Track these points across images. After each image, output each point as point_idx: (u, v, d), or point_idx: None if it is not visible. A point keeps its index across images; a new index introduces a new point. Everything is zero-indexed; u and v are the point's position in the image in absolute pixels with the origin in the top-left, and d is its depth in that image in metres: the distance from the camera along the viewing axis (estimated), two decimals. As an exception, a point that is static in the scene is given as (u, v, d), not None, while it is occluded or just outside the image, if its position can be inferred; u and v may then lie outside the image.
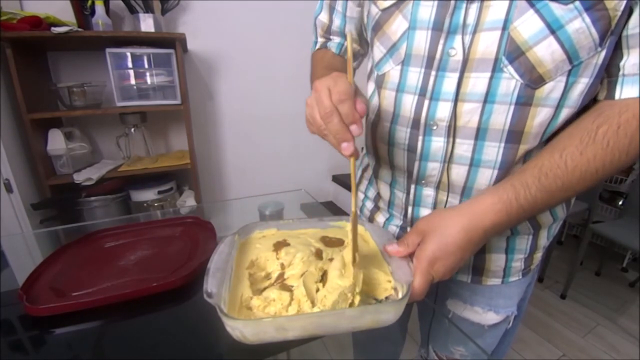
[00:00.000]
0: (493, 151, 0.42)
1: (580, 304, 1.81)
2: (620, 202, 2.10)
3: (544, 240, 0.52)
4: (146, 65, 1.44)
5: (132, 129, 1.53)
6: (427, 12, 0.41)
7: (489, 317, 0.54)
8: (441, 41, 0.41)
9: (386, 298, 0.40)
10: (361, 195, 0.65)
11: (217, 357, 0.42)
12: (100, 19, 1.33)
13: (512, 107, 0.40)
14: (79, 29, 1.27)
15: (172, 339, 0.43)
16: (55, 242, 0.83)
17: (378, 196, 0.59)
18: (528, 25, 0.36)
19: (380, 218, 0.59)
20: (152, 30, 1.41)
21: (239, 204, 1.22)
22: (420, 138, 0.45)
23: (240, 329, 0.35)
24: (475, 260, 0.52)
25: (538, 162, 0.38)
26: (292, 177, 2.16)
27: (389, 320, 0.36)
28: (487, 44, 0.39)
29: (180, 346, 0.41)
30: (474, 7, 0.38)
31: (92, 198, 1.43)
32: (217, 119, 1.89)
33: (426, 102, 0.43)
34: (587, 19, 0.35)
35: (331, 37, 0.62)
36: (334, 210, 2.21)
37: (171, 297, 0.48)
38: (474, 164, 0.44)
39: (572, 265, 1.83)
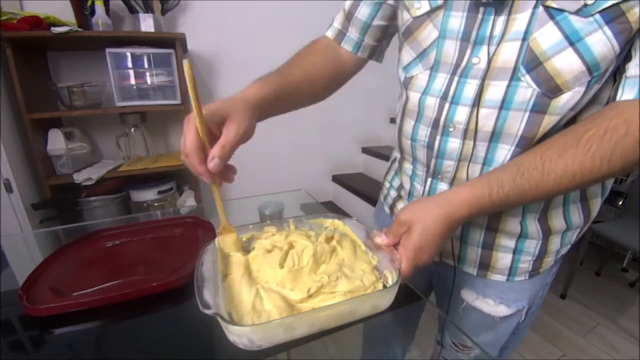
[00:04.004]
0: (504, 153, 0.45)
1: (580, 304, 1.81)
2: (620, 202, 2.10)
3: (555, 246, 0.53)
4: (146, 65, 1.44)
5: (132, 129, 1.53)
6: (456, 22, 0.43)
7: (500, 310, 0.56)
8: (468, 51, 0.43)
9: (384, 286, 0.44)
10: (387, 185, 0.69)
11: (217, 356, 0.42)
12: (100, 19, 1.33)
13: (527, 114, 0.41)
14: (79, 29, 1.27)
15: (172, 339, 0.43)
16: (55, 242, 0.83)
17: (401, 186, 0.63)
18: (547, 37, 0.37)
19: (401, 205, 0.64)
20: (152, 30, 1.41)
21: (239, 204, 1.22)
22: (439, 138, 0.48)
23: (247, 336, 0.35)
24: (481, 257, 0.54)
25: (519, 160, 0.40)
26: (292, 177, 2.16)
27: (385, 304, 0.41)
28: (508, 53, 0.40)
29: (180, 346, 0.41)
30: (500, 20, 0.40)
31: (92, 198, 1.43)
32: (217, 119, 1.89)
33: (446, 105, 0.46)
34: (609, 32, 0.35)
35: (350, 28, 0.58)
36: (334, 210, 2.21)
37: (171, 297, 0.48)
38: (486, 163, 0.46)
39: (572, 265, 1.83)
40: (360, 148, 2.33)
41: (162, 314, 0.48)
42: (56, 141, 1.37)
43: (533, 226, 0.50)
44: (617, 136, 0.35)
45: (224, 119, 0.40)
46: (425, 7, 0.45)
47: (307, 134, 2.13)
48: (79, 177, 1.37)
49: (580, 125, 0.38)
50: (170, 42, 1.41)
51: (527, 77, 0.40)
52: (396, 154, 0.65)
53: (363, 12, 0.56)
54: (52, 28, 1.20)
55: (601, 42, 0.35)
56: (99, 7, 1.33)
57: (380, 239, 0.45)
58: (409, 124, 0.53)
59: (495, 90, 0.42)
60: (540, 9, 0.37)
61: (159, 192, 1.54)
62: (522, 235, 0.51)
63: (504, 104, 0.42)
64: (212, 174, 0.40)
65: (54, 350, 0.41)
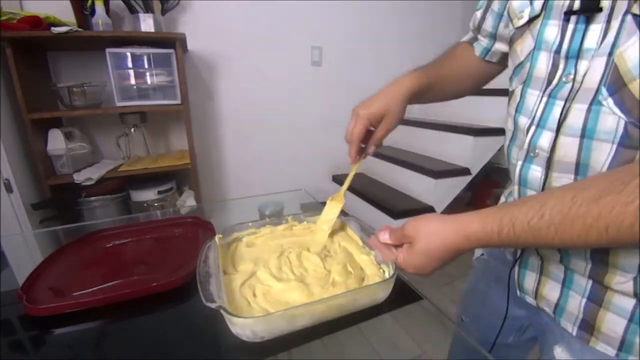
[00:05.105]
0: None
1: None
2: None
3: None
4: (146, 65, 1.44)
5: (132, 129, 1.53)
6: (553, 32, 0.39)
7: None
8: (561, 65, 0.38)
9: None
10: (502, 199, 0.60)
11: (217, 356, 0.42)
12: (100, 19, 1.33)
13: (614, 146, 0.34)
14: (79, 29, 1.27)
15: (172, 338, 0.43)
16: (55, 242, 0.83)
17: None
18: (633, 51, 0.31)
19: None
20: (152, 30, 1.41)
21: (239, 204, 1.22)
22: (520, 163, 0.44)
23: (251, 327, 0.35)
24: (585, 312, 0.43)
25: (545, 197, 0.34)
26: (292, 177, 2.16)
27: (383, 297, 0.45)
28: (594, 71, 0.35)
29: (180, 346, 0.41)
30: (595, 30, 0.34)
31: (92, 198, 1.43)
32: (217, 119, 1.89)
33: (532, 128, 0.42)
34: None
35: (479, 36, 0.59)
36: (334, 210, 2.20)
37: (171, 297, 0.48)
38: None
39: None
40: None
41: (162, 314, 0.48)
42: (56, 141, 1.37)
43: None
44: None
45: (382, 117, 0.51)
46: (526, 17, 0.43)
47: (307, 134, 2.13)
48: (79, 177, 1.37)
49: (634, 165, 0.30)
50: (170, 42, 1.41)
51: (609, 100, 0.33)
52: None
53: (488, 23, 0.56)
54: (52, 28, 1.21)
55: None
56: (99, 7, 1.33)
57: (384, 237, 0.46)
58: (507, 144, 0.50)
59: (576, 115, 0.36)
60: (629, 16, 0.31)
61: (159, 192, 1.54)
62: None
63: (586, 132, 0.36)
64: (358, 157, 0.54)
65: (54, 350, 0.41)
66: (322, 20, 1.97)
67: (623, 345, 0.40)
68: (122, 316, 0.46)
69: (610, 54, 0.33)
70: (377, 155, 2.18)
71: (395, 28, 2.21)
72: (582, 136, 0.36)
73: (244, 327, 0.36)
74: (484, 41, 0.58)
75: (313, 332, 0.40)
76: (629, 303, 0.39)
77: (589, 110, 0.35)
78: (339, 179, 2.24)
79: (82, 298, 0.46)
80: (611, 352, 0.41)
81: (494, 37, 0.56)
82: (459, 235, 0.38)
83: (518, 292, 0.52)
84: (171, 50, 1.41)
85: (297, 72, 2.00)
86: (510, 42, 0.48)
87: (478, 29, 0.59)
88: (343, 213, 0.62)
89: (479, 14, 0.58)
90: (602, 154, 0.35)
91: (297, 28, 1.93)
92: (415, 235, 0.41)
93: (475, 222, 0.37)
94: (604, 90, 0.34)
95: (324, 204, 0.60)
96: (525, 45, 0.44)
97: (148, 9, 1.42)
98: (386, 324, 0.49)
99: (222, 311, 0.35)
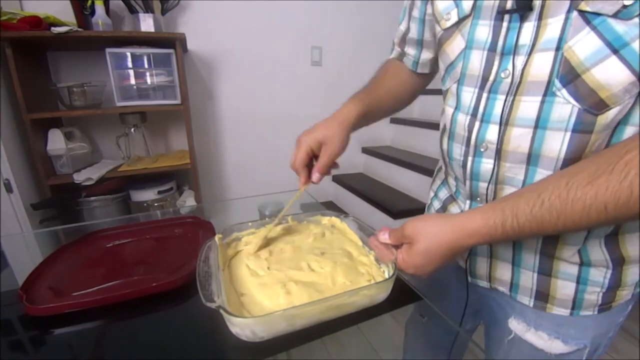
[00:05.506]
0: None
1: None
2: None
3: (634, 277, 0.45)
4: (146, 65, 1.44)
5: (132, 129, 1.53)
6: (484, 32, 0.41)
7: (555, 346, 0.48)
8: (496, 62, 0.40)
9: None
10: (432, 193, 0.65)
11: (217, 356, 0.42)
12: (100, 19, 1.33)
13: (569, 134, 0.36)
14: (79, 29, 1.27)
15: (171, 339, 0.43)
16: (55, 242, 0.83)
17: (448, 200, 0.58)
18: (584, 45, 0.33)
19: None
20: (152, 30, 1.41)
21: (239, 204, 1.22)
22: (470, 159, 0.45)
23: (250, 327, 0.35)
24: (538, 284, 0.47)
25: (541, 185, 0.35)
26: (292, 177, 2.16)
27: (383, 297, 0.44)
28: (540, 65, 0.36)
29: (180, 346, 0.41)
30: (528, 27, 0.37)
31: (92, 198, 1.43)
32: (217, 119, 1.89)
33: (476, 123, 0.43)
34: None
35: (406, 48, 0.61)
36: (335, 209, 2.20)
37: (171, 297, 0.48)
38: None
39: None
40: (360, 148, 2.33)
41: (162, 314, 0.48)
42: (56, 141, 1.37)
43: (598, 253, 0.43)
44: None
45: (322, 144, 0.51)
46: (454, 18, 0.44)
47: (307, 134, 2.13)
48: (79, 177, 1.37)
49: (619, 145, 0.32)
50: (170, 42, 1.41)
51: (564, 91, 0.35)
52: (441, 164, 0.62)
53: (412, 31, 0.58)
54: (52, 28, 1.21)
55: None
56: (99, 7, 1.33)
57: (383, 238, 0.46)
58: (444, 141, 0.51)
59: (527, 107, 0.38)
60: (575, 13, 0.33)
61: (159, 192, 1.54)
62: (584, 264, 0.44)
63: (539, 123, 0.37)
64: (307, 182, 0.54)
65: (54, 350, 0.41)
66: (322, 20, 1.97)
67: (575, 304, 0.46)
68: (122, 316, 0.46)
69: (558, 48, 0.35)
70: (377, 155, 2.19)
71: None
72: (536, 127, 0.38)
73: (244, 327, 0.36)
74: (411, 53, 0.60)
75: (313, 332, 0.40)
76: (574, 268, 0.45)
77: (542, 102, 0.37)
78: (339, 179, 2.24)
79: (82, 298, 0.46)
80: (565, 312, 0.47)
81: (420, 44, 0.58)
82: (460, 233, 0.38)
83: (470, 278, 0.55)
84: (171, 50, 1.41)
85: (297, 72, 2.00)
86: (439, 43, 0.49)
87: (404, 41, 0.60)
88: (342, 213, 0.62)
89: (402, 27, 0.60)
90: (555, 142, 0.37)
91: (297, 28, 1.93)
92: (414, 235, 0.41)
93: (477, 218, 0.37)
94: (557, 82, 0.35)
95: (324, 204, 0.60)
96: (454, 45, 0.45)
97: (148, 9, 1.42)
98: (386, 324, 0.49)
99: (221, 311, 0.35)
